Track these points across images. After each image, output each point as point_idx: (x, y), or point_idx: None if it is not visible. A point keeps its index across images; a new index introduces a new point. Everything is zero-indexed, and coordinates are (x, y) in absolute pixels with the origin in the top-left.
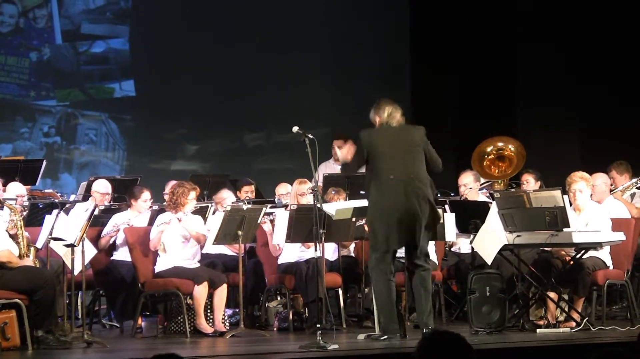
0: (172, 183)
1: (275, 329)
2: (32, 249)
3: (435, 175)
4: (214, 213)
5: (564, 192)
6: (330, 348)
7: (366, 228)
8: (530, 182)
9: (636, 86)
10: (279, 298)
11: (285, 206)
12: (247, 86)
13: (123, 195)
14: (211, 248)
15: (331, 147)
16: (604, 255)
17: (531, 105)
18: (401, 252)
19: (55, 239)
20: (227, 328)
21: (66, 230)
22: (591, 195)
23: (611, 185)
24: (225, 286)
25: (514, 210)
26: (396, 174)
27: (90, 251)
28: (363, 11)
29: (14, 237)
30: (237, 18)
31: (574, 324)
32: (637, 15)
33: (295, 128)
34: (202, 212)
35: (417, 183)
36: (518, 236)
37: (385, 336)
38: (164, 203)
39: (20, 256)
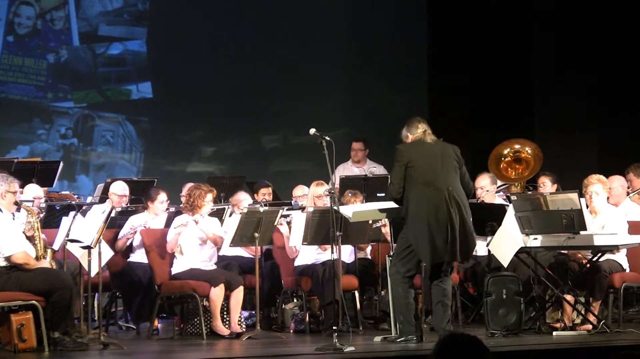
0: (189, 185)
1: (291, 331)
2: (48, 251)
3: None
4: (230, 215)
5: (581, 195)
6: (346, 350)
7: (383, 230)
8: (547, 185)
9: None
10: (295, 300)
11: (302, 208)
12: (263, 88)
13: (140, 196)
14: (228, 250)
15: (349, 149)
16: (621, 257)
17: (548, 108)
18: None
19: (72, 241)
20: (244, 329)
21: (83, 232)
22: (608, 198)
23: (628, 188)
24: (241, 288)
25: (531, 213)
26: (435, 187)
27: (107, 253)
28: (380, 13)
29: (30, 239)
30: (253, 20)
31: (590, 327)
32: None
33: (312, 131)
34: (218, 214)
35: (455, 195)
36: (535, 238)
37: (402, 338)
38: (181, 205)
39: (37, 258)
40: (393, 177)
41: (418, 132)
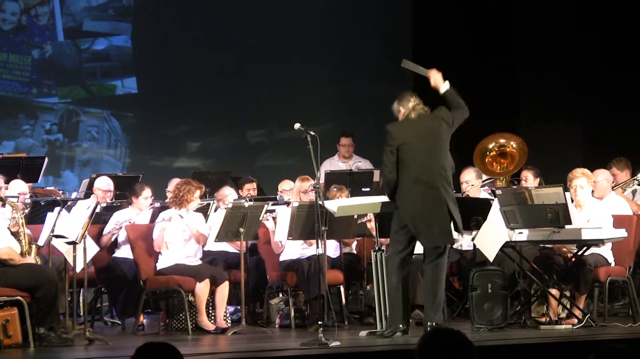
0: (175, 180)
1: (277, 326)
2: (33, 246)
3: None
4: (215, 210)
5: (566, 189)
6: (332, 345)
7: (368, 225)
8: (529, 179)
9: (637, 83)
10: (280, 295)
11: (287, 203)
12: (248, 83)
13: (125, 192)
14: (213, 245)
15: (335, 143)
16: (606, 251)
17: (533, 102)
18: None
19: (57, 236)
20: (229, 325)
21: (68, 227)
22: (593, 192)
23: (612, 182)
24: (227, 283)
25: (516, 207)
26: (429, 168)
27: (92, 249)
28: (365, 8)
29: (15, 234)
30: (238, 15)
31: (575, 321)
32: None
33: (296, 125)
34: (203, 209)
35: (446, 175)
36: (520, 232)
37: (389, 329)
38: (166, 201)
39: (22, 254)
40: (386, 159)
41: (409, 105)
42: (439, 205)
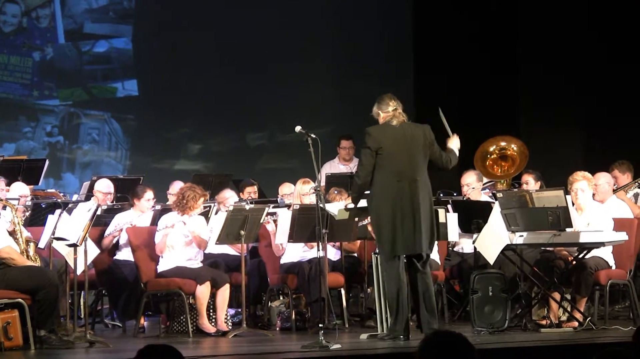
0: (178, 183)
1: (277, 329)
2: (31, 244)
3: (438, 174)
4: (216, 213)
5: (567, 192)
6: (332, 348)
7: (369, 228)
8: (530, 183)
9: (638, 85)
10: (281, 298)
11: (288, 206)
12: (249, 86)
13: (126, 194)
14: (214, 248)
15: (335, 146)
16: (607, 254)
17: (534, 105)
18: None
19: (58, 239)
20: (230, 327)
21: (69, 230)
22: (594, 195)
23: (614, 185)
24: (227, 285)
25: (517, 210)
26: (403, 176)
27: (93, 251)
28: (366, 11)
29: (12, 233)
30: (239, 18)
31: (576, 324)
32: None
33: (298, 128)
34: (204, 212)
35: (423, 186)
36: (520, 236)
37: (390, 336)
38: (167, 203)
39: (21, 252)
40: (364, 160)
41: (389, 109)
42: (414, 213)
